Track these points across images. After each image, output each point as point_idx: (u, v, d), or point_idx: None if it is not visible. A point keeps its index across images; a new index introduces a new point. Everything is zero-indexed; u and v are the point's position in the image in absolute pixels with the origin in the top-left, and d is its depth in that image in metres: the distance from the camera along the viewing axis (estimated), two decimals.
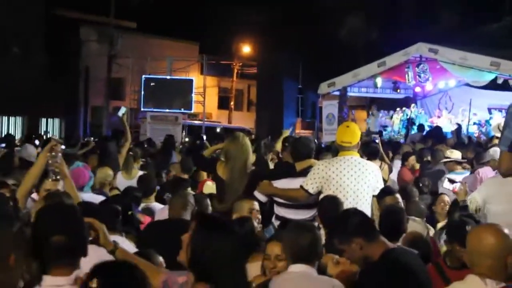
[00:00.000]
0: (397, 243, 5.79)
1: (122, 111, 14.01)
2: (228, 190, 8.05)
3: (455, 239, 5.90)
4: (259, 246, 5.69)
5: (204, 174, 11.46)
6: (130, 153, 12.50)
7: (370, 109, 29.22)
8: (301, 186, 7.60)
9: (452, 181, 8.53)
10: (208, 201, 7.78)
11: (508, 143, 5.24)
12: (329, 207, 6.57)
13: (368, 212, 7.32)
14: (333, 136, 23.14)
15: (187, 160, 12.02)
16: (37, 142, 18.13)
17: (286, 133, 12.62)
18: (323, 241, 5.56)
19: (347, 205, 7.32)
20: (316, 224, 7.18)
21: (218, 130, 35.02)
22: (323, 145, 20.10)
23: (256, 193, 7.74)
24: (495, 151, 11.01)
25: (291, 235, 4.94)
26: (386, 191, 7.64)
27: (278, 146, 12.32)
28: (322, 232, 6.18)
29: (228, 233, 3.92)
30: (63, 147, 12.85)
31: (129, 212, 7.37)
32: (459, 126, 24.13)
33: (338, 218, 5.48)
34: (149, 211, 8.79)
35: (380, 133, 24.68)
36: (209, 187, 9.76)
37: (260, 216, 6.72)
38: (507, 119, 5.34)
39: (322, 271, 5.09)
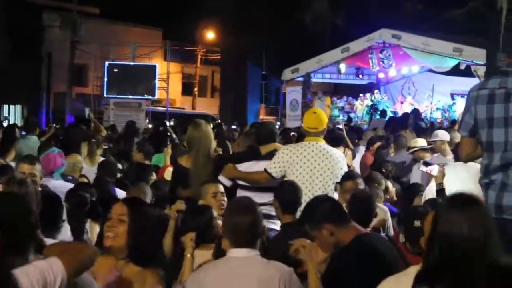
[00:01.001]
0: (367, 229, 5.80)
1: (87, 111, 14.07)
2: (193, 177, 8.01)
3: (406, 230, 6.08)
4: (214, 237, 5.66)
5: (167, 160, 11.45)
6: (93, 140, 12.42)
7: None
8: (265, 169, 7.60)
9: (427, 164, 8.54)
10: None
11: (469, 127, 5.26)
12: (287, 191, 6.52)
13: None
14: (297, 122, 23.26)
15: (147, 145, 12.01)
16: None
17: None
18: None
19: (309, 190, 7.33)
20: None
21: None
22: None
23: (220, 177, 7.71)
24: (443, 133, 11.13)
25: (229, 217, 4.66)
26: (347, 176, 7.64)
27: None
28: None
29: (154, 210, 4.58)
30: (23, 133, 12.76)
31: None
32: (417, 110, 24.27)
33: (308, 205, 5.43)
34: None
35: (348, 120, 24.78)
36: (170, 172, 9.74)
37: (225, 199, 6.70)
38: (467, 104, 5.36)
39: (294, 255, 5.04)
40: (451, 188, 7.08)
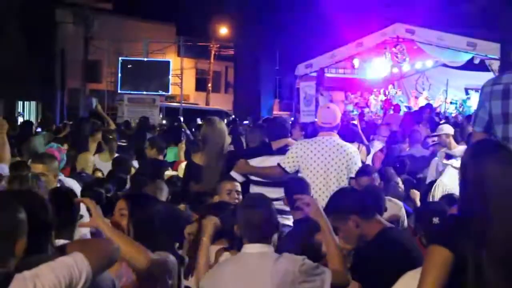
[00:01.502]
0: None
1: (94, 102, 14.06)
2: (206, 173, 8.03)
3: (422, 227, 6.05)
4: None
5: (181, 155, 11.47)
6: (110, 136, 12.44)
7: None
8: (279, 164, 7.60)
9: (449, 156, 8.52)
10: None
11: (484, 123, 5.24)
12: (294, 187, 6.50)
13: None
14: (311, 117, 23.21)
15: (159, 140, 12.05)
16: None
17: None
18: None
19: (324, 185, 7.34)
20: None
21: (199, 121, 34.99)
22: None
23: (233, 173, 7.72)
24: (447, 127, 11.08)
25: (242, 212, 4.65)
26: (363, 171, 7.62)
27: None
28: None
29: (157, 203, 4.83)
30: (39, 129, 12.81)
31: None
32: (430, 105, 24.18)
33: (334, 196, 5.46)
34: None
35: (361, 114, 24.73)
36: (183, 168, 9.75)
37: (240, 197, 6.69)
38: (481, 99, 5.33)
39: (316, 249, 5.04)
40: (451, 185, 7.10)
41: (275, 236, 4.65)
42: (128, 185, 8.90)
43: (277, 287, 4.29)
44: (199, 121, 18.31)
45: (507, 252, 3.27)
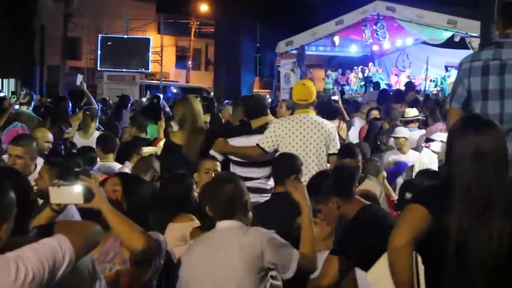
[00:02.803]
0: None
1: (79, 79, 13.91)
2: (186, 152, 7.99)
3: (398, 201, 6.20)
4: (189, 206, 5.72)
5: (161, 133, 11.42)
6: (87, 112, 12.37)
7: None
8: (257, 145, 7.57)
9: (428, 140, 8.57)
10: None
11: (462, 100, 5.22)
12: (285, 164, 6.52)
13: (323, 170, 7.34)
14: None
15: (140, 118, 11.99)
16: None
17: None
18: None
19: (303, 163, 7.32)
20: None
21: (174, 90, 34.90)
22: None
23: (212, 152, 7.69)
24: (405, 130, 11.01)
25: (214, 187, 4.71)
26: (348, 153, 7.59)
27: None
28: None
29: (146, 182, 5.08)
30: (16, 106, 12.72)
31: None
32: (411, 83, 24.25)
33: (313, 179, 5.53)
34: (108, 170, 8.73)
35: (341, 92, 24.74)
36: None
37: None
38: (459, 76, 5.32)
39: (297, 230, 5.07)
40: (428, 160, 7.13)
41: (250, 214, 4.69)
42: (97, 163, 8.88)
43: (245, 261, 4.34)
44: (173, 89, 18.21)
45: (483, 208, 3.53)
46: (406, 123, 11.86)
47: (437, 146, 7.48)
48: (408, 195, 5.94)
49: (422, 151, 9.50)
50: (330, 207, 4.94)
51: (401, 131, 10.70)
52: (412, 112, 12.03)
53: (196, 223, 5.63)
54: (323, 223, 5.13)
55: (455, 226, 3.49)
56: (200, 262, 4.50)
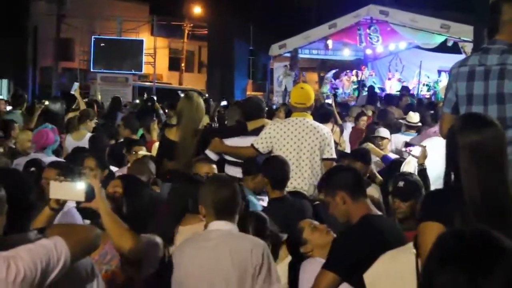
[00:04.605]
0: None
1: (75, 87, 13.97)
2: (181, 150, 7.95)
3: (395, 195, 6.15)
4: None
5: (153, 135, 11.39)
6: (77, 114, 12.36)
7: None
8: (252, 145, 7.60)
9: (408, 144, 8.61)
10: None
11: (452, 104, 5.27)
12: (276, 168, 6.55)
13: (317, 174, 7.36)
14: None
15: (132, 120, 11.98)
16: None
17: None
18: None
19: (296, 166, 7.35)
20: None
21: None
22: (274, 106, 20.13)
23: (208, 152, 7.71)
24: (384, 130, 11.12)
25: (210, 188, 4.73)
26: (361, 157, 7.65)
27: None
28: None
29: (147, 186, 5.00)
30: (9, 107, 12.71)
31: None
32: (406, 87, 24.34)
33: (328, 172, 5.56)
34: None
35: (334, 95, 24.78)
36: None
37: None
38: (449, 81, 5.37)
39: (298, 234, 5.09)
40: (430, 164, 7.16)
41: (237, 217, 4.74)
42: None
43: (235, 266, 4.41)
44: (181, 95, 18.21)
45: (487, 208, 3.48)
46: (409, 127, 11.94)
47: (417, 150, 7.55)
48: (401, 183, 6.14)
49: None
50: (337, 202, 4.94)
51: (383, 131, 10.82)
52: (416, 118, 12.08)
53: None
54: (324, 230, 5.14)
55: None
56: (192, 259, 4.55)
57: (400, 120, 12.81)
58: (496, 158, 3.56)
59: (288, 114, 9.38)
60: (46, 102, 13.82)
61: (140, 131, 12.22)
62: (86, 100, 17.74)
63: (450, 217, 3.50)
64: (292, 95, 8.06)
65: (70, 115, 12.84)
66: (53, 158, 8.35)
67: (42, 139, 8.48)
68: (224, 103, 19.71)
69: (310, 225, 5.15)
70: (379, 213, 5.15)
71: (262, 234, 5.08)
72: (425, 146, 7.70)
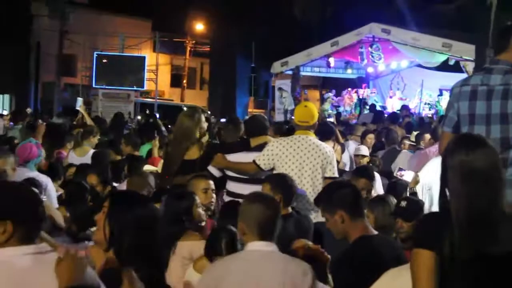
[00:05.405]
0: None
1: (79, 103, 14.00)
2: (185, 166, 7.92)
3: (398, 215, 6.16)
4: (191, 224, 5.64)
5: (155, 152, 11.41)
6: (81, 130, 12.39)
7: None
8: (254, 161, 7.61)
9: (400, 169, 8.67)
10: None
11: (453, 123, 5.27)
12: (289, 185, 6.52)
13: (318, 192, 7.35)
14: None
15: (134, 137, 12.01)
16: None
17: None
18: None
19: (298, 184, 7.33)
20: None
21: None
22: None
23: (210, 168, 7.73)
24: (364, 148, 11.53)
25: (257, 207, 4.61)
26: (366, 174, 7.65)
27: None
28: None
29: (143, 206, 4.18)
30: (11, 123, 12.74)
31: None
32: (407, 106, 24.36)
33: (328, 187, 5.53)
34: None
35: (338, 114, 24.81)
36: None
37: (214, 196, 6.65)
38: (450, 100, 5.37)
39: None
40: (429, 181, 7.18)
41: None
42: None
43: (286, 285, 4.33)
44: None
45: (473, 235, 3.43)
46: (413, 146, 12.04)
47: (409, 175, 7.61)
48: (403, 204, 6.20)
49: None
50: (335, 219, 4.94)
51: (363, 150, 11.05)
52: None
53: (203, 242, 5.37)
54: (318, 251, 4.97)
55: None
56: (236, 280, 4.38)
57: (406, 141, 12.88)
58: (486, 178, 3.50)
59: (291, 132, 9.37)
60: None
61: (146, 147, 12.23)
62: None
63: (441, 243, 3.47)
64: (295, 113, 8.09)
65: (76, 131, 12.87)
66: (36, 173, 8.29)
67: (26, 152, 8.43)
68: (224, 120, 19.75)
69: (305, 245, 5.02)
70: (375, 232, 5.15)
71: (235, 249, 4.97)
72: (417, 172, 7.74)
